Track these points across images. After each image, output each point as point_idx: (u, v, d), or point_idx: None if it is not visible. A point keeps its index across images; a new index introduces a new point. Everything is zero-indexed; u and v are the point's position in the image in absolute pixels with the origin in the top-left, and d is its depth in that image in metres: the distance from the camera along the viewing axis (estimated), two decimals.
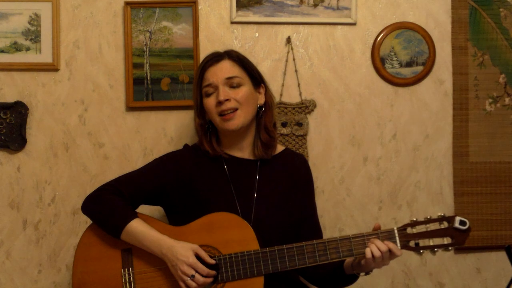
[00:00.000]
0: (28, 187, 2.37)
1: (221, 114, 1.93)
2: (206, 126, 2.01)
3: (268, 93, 2.04)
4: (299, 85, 2.40)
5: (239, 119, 1.93)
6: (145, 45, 2.36)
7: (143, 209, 2.02)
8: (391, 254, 1.79)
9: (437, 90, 2.43)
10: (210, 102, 1.95)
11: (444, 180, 2.43)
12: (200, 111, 2.01)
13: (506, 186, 2.42)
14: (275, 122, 2.06)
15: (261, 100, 2.02)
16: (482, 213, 2.41)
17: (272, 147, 2.02)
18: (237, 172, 1.98)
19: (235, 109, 1.93)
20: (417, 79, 2.41)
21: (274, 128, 2.04)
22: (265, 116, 2.02)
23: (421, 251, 1.79)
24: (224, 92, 1.93)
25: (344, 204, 2.42)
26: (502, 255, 2.35)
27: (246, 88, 1.96)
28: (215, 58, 1.98)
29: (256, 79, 2.01)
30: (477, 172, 2.42)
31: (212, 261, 1.82)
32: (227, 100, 1.92)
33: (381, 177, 2.42)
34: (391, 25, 2.41)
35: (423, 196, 2.43)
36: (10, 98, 2.36)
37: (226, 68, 1.96)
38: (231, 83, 1.95)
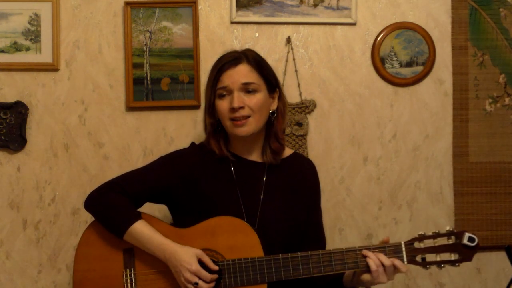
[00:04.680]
0: (28, 187, 2.37)
1: (233, 119, 1.90)
2: (216, 125, 1.96)
3: (281, 99, 2.00)
4: (299, 85, 2.40)
5: (250, 126, 1.90)
6: (145, 45, 2.36)
7: (146, 207, 2.01)
8: (395, 269, 1.77)
9: (437, 90, 2.43)
10: (223, 105, 1.91)
11: (444, 180, 2.43)
12: (212, 111, 1.95)
13: (506, 186, 2.42)
14: (284, 128, 2.02)
15: (274, 105, 1.97)
16: (482, 213, 2.41)
17: (281, 154, 1.99)
18: (244, 174, 1.95)
19: (248, 116, 1.89)
20: (417, 79, 2.41)
21: (284, 134, 2.00)
22: (276, 123, 1.97)
23: (428, 266, 1.76)
24: (239, 98, 1.88)
25: (344, 204, 2.42)
26: (502, 255, 2.36)
27: (260, 95, 1.91)
28: (234, 60, 1.92)
29: (272, 84, 1.96)
30: (477, 172, 2.42)
31: (216, 267, 1.80)
32: (241, 107, 1.88)
33: (381, 177, 2.42)
34: (391, 25, 2.41)
35: (423, 196, 2.43)
36: (10, 98, 2.36)
37: (244, 73, 1.90)
38: (247, 88, 1.90)
